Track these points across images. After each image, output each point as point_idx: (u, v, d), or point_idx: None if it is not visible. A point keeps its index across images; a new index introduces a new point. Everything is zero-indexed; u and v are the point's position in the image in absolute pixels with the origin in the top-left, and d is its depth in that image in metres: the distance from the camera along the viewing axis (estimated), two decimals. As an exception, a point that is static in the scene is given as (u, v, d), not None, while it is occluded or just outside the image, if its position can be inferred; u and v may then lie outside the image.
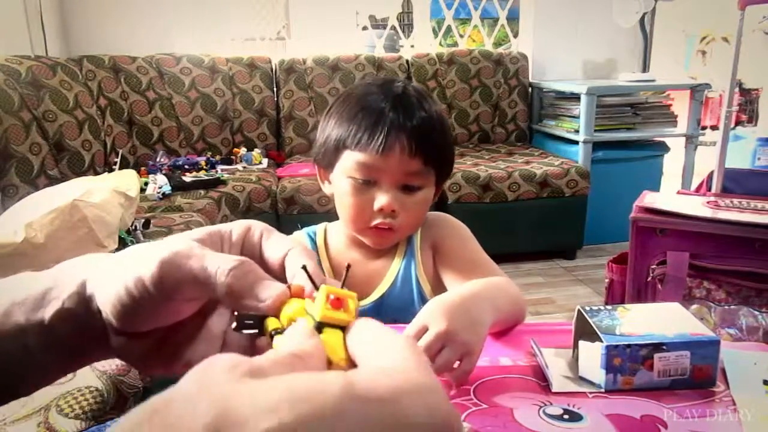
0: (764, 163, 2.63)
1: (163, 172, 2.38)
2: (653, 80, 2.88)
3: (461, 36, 3.33)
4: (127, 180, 1.74)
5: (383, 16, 3.46)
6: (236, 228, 0.31)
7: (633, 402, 0.53)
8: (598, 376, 0.55)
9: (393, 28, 3.31)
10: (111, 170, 2.38)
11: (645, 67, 3.20)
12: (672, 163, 2.98)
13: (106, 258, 0.30)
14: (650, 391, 0.53)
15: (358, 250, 0.83)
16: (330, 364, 0.23)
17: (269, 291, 0.26)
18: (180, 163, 2.46)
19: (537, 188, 2.53)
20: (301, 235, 0.87)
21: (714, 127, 3.46)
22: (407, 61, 2.96)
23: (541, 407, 0.52)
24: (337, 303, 0.25)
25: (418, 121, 0.74)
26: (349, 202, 0.76)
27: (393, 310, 0.81)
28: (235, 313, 0.26)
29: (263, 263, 0.29)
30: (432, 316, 0.56)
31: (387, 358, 0.21)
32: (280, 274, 0.29)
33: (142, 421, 0.17)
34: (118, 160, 2.45)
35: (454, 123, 3.02)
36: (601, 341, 0.54)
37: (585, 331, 0.58)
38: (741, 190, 1.62)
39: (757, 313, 1.29)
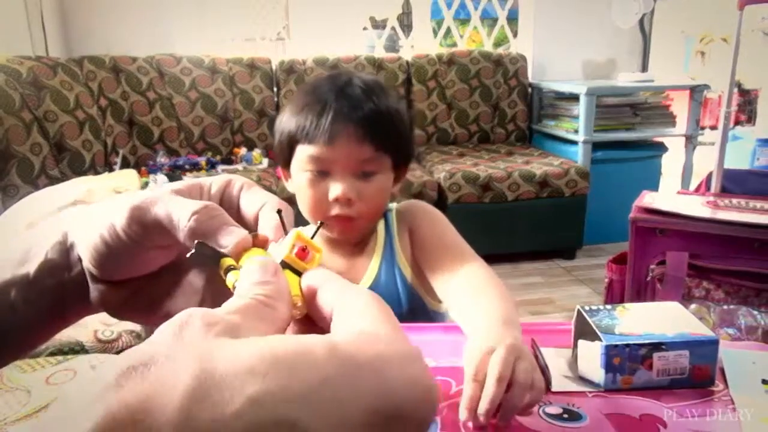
0: (763, 163, 2.63)
1: (164, 172, 2.38)
2: (652, 80, 2.89)
3: (461, 36, 3.33)
4: (127, 180, 1.74)
5: (383, 17, 3.46)
6: (216, 181, 0.31)
7: (632, 401, 0.53)
8: (598, 375, 0.55)
9: (393, 28, 3.31)
10: (111, 170, 2.38)
11: (644, 68, 3.21)
12: (671, 164, 2.98)
13: (86, 208, 0.31)
14: (649, 390, 0.54)
15: (339, 248, 0.84)
16: None
17: (231, 237, 0.26)
18: (180, 163, 2.46)
19: (537, 188, 2.54)
20: None
21: (713, 128, 3.46)
22: (407, 61, 2.96)
23: (540, 406, 0.52)
24: (303, 254, 0.25)
25: (363, 109, 0.74)
26: (307, 195, 0.77)
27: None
28: (196, 242, 0.26)
29: (240, 217, 0.29)
30: (491, 337, 0.54)
31: (364, 319, 0.20)
32: (254, 228, 0.29)
33: (119, 376, 0.16)
34: (118, 160, 2.45)
35: (453, 123, 3.03)
36: (601, 341, 0.54)
37: (584, 330, 0.58)
38: (740, 190, 1.62)
39: (756, 312, 1.29)
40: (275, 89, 2.84)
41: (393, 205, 0.87)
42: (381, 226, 0.85)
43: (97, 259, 0.28)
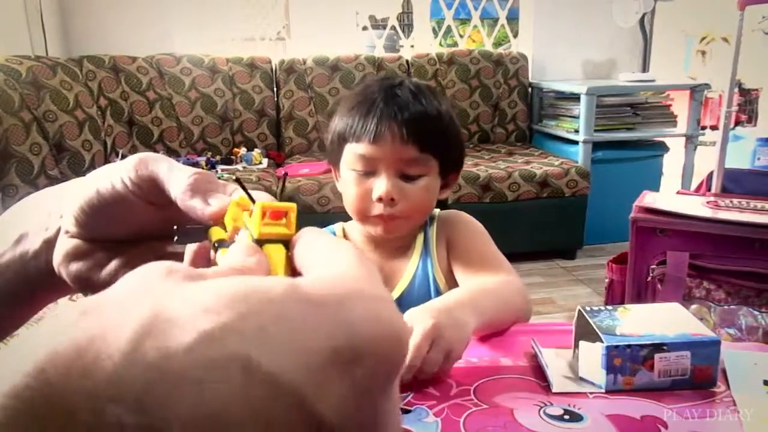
0: (764, 163, 2.63)
1: (163, 172, 2.38)
2: (653, 80, 2.88)
3: (461, 36, 3.33)
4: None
5: (383, 16, 3.46)
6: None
7: (633, 402, 0.53)
8: (599, 376, 0.55)
9: (393, 28, 3.31)
10: (111, 170, 2.38)
11: (645, 67, 3.20)
12: (672, 163, 2.98)
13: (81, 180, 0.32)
14: (651, 391, 0.54)
15: (376, 249, 0.85)
16: None
17: (217, 200, 0.27)
18: (180, 163, 2.46)
19: (537, 188, 2.54)
20: None
21: (714, 127, 3.46)
22: (407, 61, 2.96)
23: (541, 407, 0.52)
24: (276, 216, 0.24)
25: (410, 110, 0.75)
26: (353, 193, 0.78)
27: (412, 308, 0.82)
28: (175, 227, 0.27)
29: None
30: (418, 317, 0.58)
31: (334, 265, 0.20)
32: None
33: (69, 322, 0.15)
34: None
35: (454, 123, 3.02)
36: (602, 341, 0.54)
37: (585, 331, 0.58)
38: (741, 190, 1.62)
39: (756, 313, 1.29)
40: (275, 89, 2.84)
41: (436, 212, 0.88)
42: (421, 231, 0.86)
43: (85, 211, 0.29)
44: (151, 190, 0.28)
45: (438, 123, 0.78)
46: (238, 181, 0.27)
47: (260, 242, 0.23)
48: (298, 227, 0.24)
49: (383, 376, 0.17)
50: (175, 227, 0.27)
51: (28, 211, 0.32)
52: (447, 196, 0.87)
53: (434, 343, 0.56)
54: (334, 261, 0.20)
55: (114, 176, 0.29)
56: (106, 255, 0.31)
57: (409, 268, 0.83)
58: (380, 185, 0.75)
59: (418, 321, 0.57)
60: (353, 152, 0.77)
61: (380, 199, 0.76)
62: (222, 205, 0.26)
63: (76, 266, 0.31)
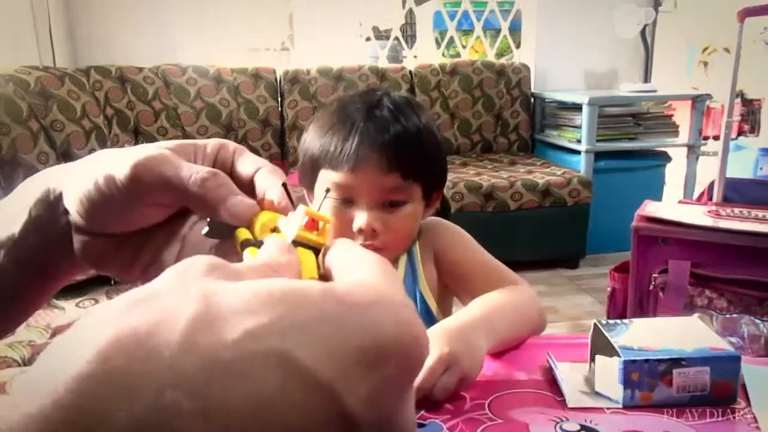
0: (766, 172, 2.64)
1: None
2: (655, 90, 2.90)
3: (464, 47, 3.34)
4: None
5: (387, 27, 3.48)
6: (210, 143, 0.31)
7: (651, 418, 0.52)
8: (616, 391, 0.54)
9: (396, 39, 3.33)
10: (116, 179, 2.38)
11: (646, 78, 3.22)
12: (674, 173, 2.99)
13: (73, 163, 0.30)
14: (669, 407, 0.53)
15: None
16: None
17: (241, 205, 0.27)
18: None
19: (539, 197, 2.54)
20: None
21: (716, 137, 3.47)
22: (410, 71, 2.98)
23: (557, 423, 0.52)
24: (313, 224, 0.25)
25: (392, 134, 0.70)
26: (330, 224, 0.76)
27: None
28: (208, 219, 0.27)
29: (234, 179, 0.30)
30: (433, 340, 0.56)
31: (364, 272, 0.22)
32: (249, 190, 0.29)
33: (123, 311, 0.17)
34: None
35: (456, 133, 3.03)
36: (619, 356, 0.54)
37: (601, 345, 0.58)
38: (742, 200, 1.63)
39: (758, 321, 1.29)
40: (279, 99, 2.85)
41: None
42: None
43: (88, 209, 0.28)
44: (157, 196, 0.27)
45: (419, 143, 0.73)
46: (284, 186, 0.28)
47: (295, 244, 0.25)
48: None
49: (404, 376, 0.18)
50: (208, 219, 0.27)
51: (29, 189, 0.30)
52: (429, 215, 0.80)
53: (449, 370, 0.54)
54: (364, 269, 0.22)
55: (115, 172, 0.27)
56: (129, 251, 0.30)
57: None
58: (360, 217, 0.70)
59: (433, 345, 0.55)
60: (329, 180, 0.71)
61: (360, 231, 0.70)
62: (248, 211, 0.27)
63: (98, 265, 0.30)
